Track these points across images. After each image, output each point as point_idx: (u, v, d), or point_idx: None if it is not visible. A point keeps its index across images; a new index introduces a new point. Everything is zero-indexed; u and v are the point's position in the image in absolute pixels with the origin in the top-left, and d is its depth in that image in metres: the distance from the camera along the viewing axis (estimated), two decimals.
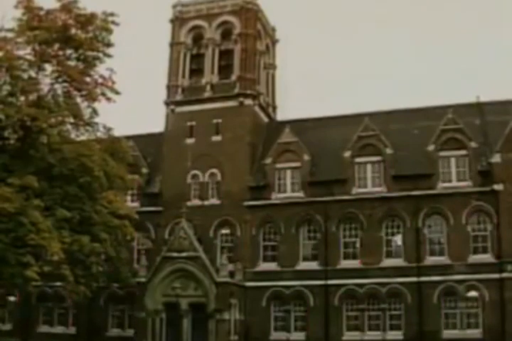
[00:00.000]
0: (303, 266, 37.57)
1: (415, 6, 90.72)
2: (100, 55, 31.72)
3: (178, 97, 42.88)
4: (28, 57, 30.55)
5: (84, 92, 31.37)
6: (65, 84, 31.35)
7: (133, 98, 47.20)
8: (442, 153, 36.66)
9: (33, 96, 30.39)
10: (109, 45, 31.65)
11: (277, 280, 37.44)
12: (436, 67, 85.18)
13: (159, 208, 40.82)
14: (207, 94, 42.39)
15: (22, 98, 30.35)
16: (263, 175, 39.69)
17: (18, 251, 27.23)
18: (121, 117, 41.27)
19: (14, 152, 29.81)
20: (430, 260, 35.54)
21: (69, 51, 31.28)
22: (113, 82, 31.40)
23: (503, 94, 45.28)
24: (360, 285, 35.94)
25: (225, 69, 42.97)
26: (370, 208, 36.83)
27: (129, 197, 40.54)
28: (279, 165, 39.53)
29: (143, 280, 36.82)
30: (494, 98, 39.37)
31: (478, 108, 39.42)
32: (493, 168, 35.34)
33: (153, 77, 73.73)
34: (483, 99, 39.77)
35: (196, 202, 40.19)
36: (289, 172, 39.41)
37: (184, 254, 36.63)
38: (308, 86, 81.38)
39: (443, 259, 35.37)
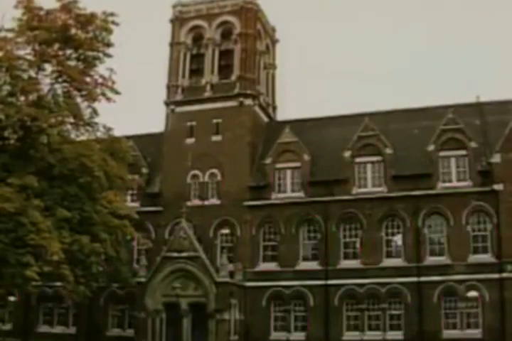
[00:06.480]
0: (303, 266, 37.57)
1: (415, 6, 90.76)
2: (100, 55, 31.66)
3: (178, 97, 42.87)
4: (28, 57, 30.50)
5: (84, 92, 31.32)
6: (65, 84, 31.29)
7: (133, 98, 47.24)
8: (442, 153, 36.65)
9: (33, 96, 30.32)
10: (109, 45, 31.59)
11: (277, 280, 37.44)
12: (437, 67, 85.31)
13: (159, 208, 40.82)
14: (207, 94, 42.39)
15: (22, 98, 30.29)
16: (263, 175, 39.68)
17: (18, 251, 27.16)
18: (121, 117, 41.36)
19: (14, 152, 29.74)
20: (430, 260, 35.54)
21: (69, 51, 31.22)
22: (113, 82, 31.37)
23: (503, 94, 45.48)
24: (360, 285, 35.94)
25: (225, 69, 42.96)
26: (370, 208, 36.82)
27: (129, 197, 40.48)
28: (279, 165, 39.52)
29: (143, 280, 36.84)
30: (494, 98, 39.41)
31: (478, 108, 39.41)
32: (493, 168, 35.34)
33: (153, 77, 73.71)
34: (483, 99, 39.82)
35: (196, 202, 40.19)
36: (289, 172, 39.41)
37: (184, 254, 36.64)
38: (308, 86, 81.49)
39: (443, 259, 35.37)
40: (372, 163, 37.93)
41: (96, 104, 31.61)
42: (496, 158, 35.37)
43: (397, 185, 36.85)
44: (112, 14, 31.12)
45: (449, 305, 34.74)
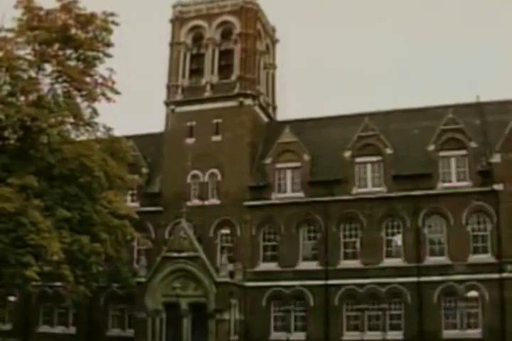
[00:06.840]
0: (303, 266, 37.57)
1: (415, 6, 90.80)
2: (100, 55, 31.71)
3: (178, 97, 42.88)
4: (28, 57, 30.54)
5: (84, 92, 31.36)
6: (65, 84, 31.33)
7: (133, 98, 47.23)
8: (442, 153, 36.65)
9: (33, 96, 30.34)
10: (109, 45, 31.63)
11: (277, 280, 37.44)
12: (436, 67, 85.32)
13: (159, 208, 40.83)
14: (207, 94, 42.39)
15: (22, 98, 30.32)
16: (263, 175, 39.68)
17: (18, 251, 27.19)
18: (121, 117, 41.36)
19: (14, 152, 29.76)
20: (430, 260, 35.54)
21: (69, 51, 31.27)
22: (113, 82, 31.42)
23: (503, 94, 45.46)
24: (360, 285, 35.94)
25: (225, 69, 42.96)
26: (370, 208, 36.82)
27: (129, 197, 40.52)
28: (279, 165, 39.52)
29: (143, 280, 36.83)
30: (494, 98, 39.41)
31: (478, 108, 39.41)
32: (493, 168, 35.34)
33: (153, 77, 73.80)
34: (483, 99, 39.82)
35: (196, 202, 40.17)
36: (289, 172, 39.41)
37: (184, 254, 36.62)
38: (308, 86, 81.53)
39: (443, 259, 35.37)
40: (372, 163, 37.93)
41: (96, 104, 31.73)
42: (496, 158, 35.37)
43: (397, 185, 36.84)
44: (111, 14, 31.16)
45: (449, 305, 34.75)
